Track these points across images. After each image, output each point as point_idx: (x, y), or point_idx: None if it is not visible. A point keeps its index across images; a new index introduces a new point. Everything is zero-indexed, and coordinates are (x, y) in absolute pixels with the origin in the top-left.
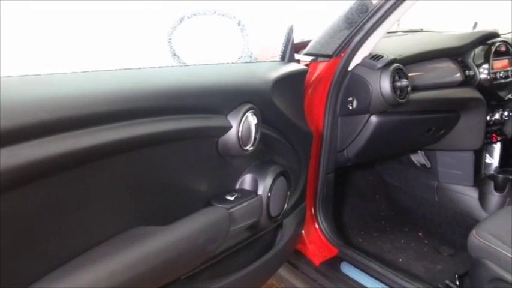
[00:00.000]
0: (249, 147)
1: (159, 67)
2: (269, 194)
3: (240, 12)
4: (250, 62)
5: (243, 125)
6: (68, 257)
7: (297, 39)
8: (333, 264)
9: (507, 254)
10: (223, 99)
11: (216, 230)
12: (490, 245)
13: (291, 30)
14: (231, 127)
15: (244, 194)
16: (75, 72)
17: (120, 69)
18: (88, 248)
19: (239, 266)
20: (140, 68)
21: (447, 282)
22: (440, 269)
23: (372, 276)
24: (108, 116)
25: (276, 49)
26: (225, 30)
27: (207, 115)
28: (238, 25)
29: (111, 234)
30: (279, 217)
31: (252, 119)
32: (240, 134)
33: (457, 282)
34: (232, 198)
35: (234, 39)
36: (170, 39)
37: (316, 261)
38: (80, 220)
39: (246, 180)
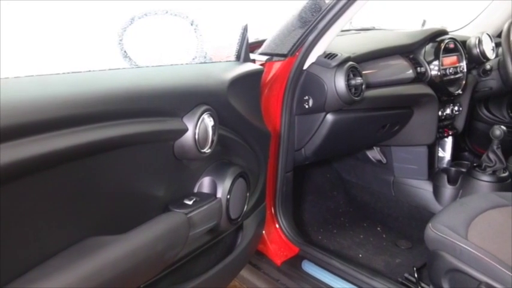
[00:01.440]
0: (207, 150)
1: (109, 69)
2: (228, 196)
3: (192, 11)
4: (204, 62)
5: (200, 127)
6: (16, 273)
7: (251, 38)
8: (294, 263)
9: (462, 245)
10: (178, 101)
11: (175, 236)
12: (446, 237)
13: (245, 30)
14: (187, 130)
15: (203, 198)
16: (17, 77)
17: (68, 73)
18: (37, 262)
19: (200, 271)
20: (89, 71)
21: (406, 275)
22: (399, 262)
23: (333, 273)
24: (55, 122)
25: (231, 49)
26: (178, 31)
27: (162, 118)
28: (192, 25)
29: (63, 246)
30: (239, 219)
31: (208, 121)
32: (196, 137)
33: (416, 275)
34: (190, 203)
35: (187, 39)
36: (121, 40)
37: (278, 261)
38: (28, 233)
39: (205, 183)
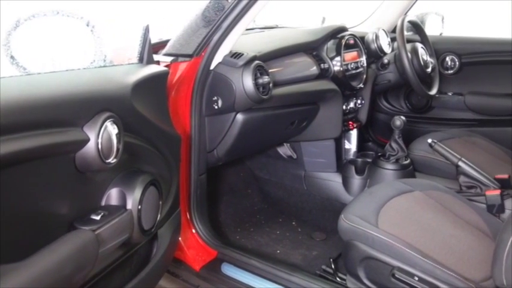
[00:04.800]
0: (112, 160)
1: None
2: (139, 207)
3: (89, 11)
4: (104, 66)
5: (103, 136)
6: None
7: (155, 38)
8: (213, 266)
9: (373, 233)
10: (76, 109)
11: (83, 256)
12: (358, 226)
13: (147, 30)
14: (88, 140)
15: (111, 211)
16: None
17: None
18: None
19: None
20: None
21: (323, 267)
22: (316, 254)
23: (252, 273)
24: None
25: (133, 50)
26: (73, 32)
27: (59, 129)
28: (88, 26)
29: None
30: (153, 229)
31: (112, 129)
32: (99, 146)
33: (332, 266)
34: (98, 218)
35: (84, 41)
36: (8, 45)
37: (197, 266)
38: None
39: (113, 196)
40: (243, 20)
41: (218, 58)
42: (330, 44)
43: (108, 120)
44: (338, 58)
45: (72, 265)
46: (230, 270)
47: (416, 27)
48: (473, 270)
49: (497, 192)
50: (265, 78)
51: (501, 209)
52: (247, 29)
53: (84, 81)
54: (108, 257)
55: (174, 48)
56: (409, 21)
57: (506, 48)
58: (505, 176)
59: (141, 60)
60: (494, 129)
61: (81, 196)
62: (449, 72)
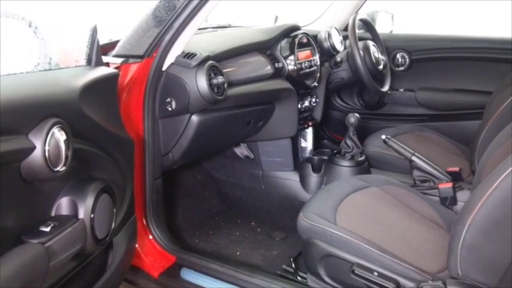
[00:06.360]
0: (61, 168)
1: None
2: (92, 216)
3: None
4: (50, 69)
5: (50, 143)
6: None
7: (104, 39)
8: (172, 272)
9: (332, 230)
10: (20, 116)
11: (32, 271)
12: (316, 225)
13: (94, 31)
14: (34, 148)
15: (62, 221)
16: None
17: None
18: None
19: None
20: None
21: (284, 266)
22: (276, 254)
23: (212, 276)
24: None
25: (80, 52)
26: (14, 34)
27: (1, 137)
28: (30, 27)
29: None
30: (107, 238)
31: (59, 135)
32: (46, 154)
33: (293, 265)
34: (48, 229)
35: (26, 43)
36: None
37: (155, 273)
38: None
39: (63, 205)
40: (195, 19)
41: (170, 59)
42: (284, 43)
43: (55, 127)
44: (292, 57)
45: (21, 281)
46: (190, 275)
47: (368, 25)
48: (429, 262)
49: (450, 185)
50: (220, 79)
51: (454, 201)
52: (199, 29)
53: (28, 86)
54: (60, 270)
55: (124, 49)
56: (360, 20)
57: (454, 44)
58: (456, 169)
59: (89, 62)
60: (444, 123)
61: (28, 207)
62: (400, 69)
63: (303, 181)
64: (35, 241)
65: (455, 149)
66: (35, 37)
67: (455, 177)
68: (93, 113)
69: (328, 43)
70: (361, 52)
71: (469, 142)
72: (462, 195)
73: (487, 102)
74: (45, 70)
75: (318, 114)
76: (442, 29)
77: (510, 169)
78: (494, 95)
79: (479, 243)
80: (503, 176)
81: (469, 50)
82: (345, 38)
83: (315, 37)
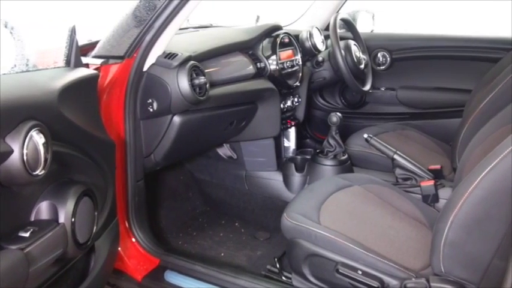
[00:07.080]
0: (40, 171)
1: None
2: (73, 220)
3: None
4: (27, 71)
5: (28, 146)
6: None
7: (83, 40)
8: (156, 275)
9: (316, 230)
10: None
11: (12, 277)
12: (300, 224)
13: (73, 32)
14: (12, 151)
15: (42, 226)
16: None
17: None
18: None
19: None
20: None
21: (268, 267)
22: (260, 254)
23: (197, 278)
24: None
25: (59, 53)
26: None
27: None
28: (6, 27)
29: None
30: (89, 241)
31: (38, 138)
32: (25, 158)
33: (277, 265)
34: (27, 235)
35: (2, 44)
36: None
37: (139, 276)
38: None
39: (43, 210)
40: (176, 19)
41: (151, 59)
42: (265, 42)
43: (33, 129)
44: (274, 57)
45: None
46: (174, 278)
47: (349, 25)
48: (412, 260)
49: (431, 182)
50: (202, 79)
51: (435, 198)
52: (180, 29)
53: (5, 88)
54: (41, 275)
55: (104, 50)
56: (342, 19)
57: (434, 43)
58: (438, 167)
59: (68, 63)
60: (425, 121)
61: (6, 213)
62: (381, 68)
63: (286, 181)
64: (13, 247)
65: (436, 147)
66: (11, 38)
67: (437, 175)
68: (73, 115)
69: (310, 43)
70: (343, 51)
71: (449, 140)
72: (444, 193)
73: (466, 100)
74: (23, 72)
75: (300, 114)
76: (422, 28)
77: (490, 167)
78: (474, 93)
79: (462, 240)
80: (483, 173)
81: (449, 48)
82: (327, 37)
83: (296, 37)
